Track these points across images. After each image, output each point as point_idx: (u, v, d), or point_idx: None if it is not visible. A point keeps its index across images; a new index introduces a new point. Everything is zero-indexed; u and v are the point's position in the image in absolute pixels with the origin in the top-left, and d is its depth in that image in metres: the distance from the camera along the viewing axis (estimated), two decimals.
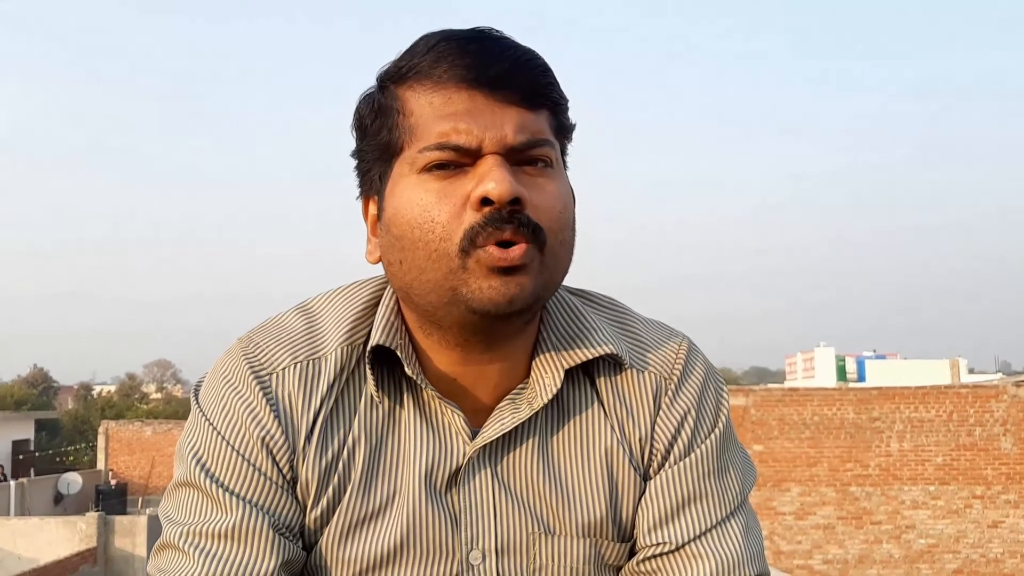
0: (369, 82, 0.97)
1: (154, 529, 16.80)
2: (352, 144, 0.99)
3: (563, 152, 0.97)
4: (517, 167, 0.90)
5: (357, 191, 1.00)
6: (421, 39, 0.93)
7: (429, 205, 0.89)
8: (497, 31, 0.94)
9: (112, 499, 23.54)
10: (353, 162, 0.99)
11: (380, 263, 0.97)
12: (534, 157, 0.91)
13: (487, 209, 0.88)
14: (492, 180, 0.87)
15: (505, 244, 0.88)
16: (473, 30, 0.93)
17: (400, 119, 0.92)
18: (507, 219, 0.87)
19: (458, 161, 0.90)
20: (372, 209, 0.97)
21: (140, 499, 24.84)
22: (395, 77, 0.93)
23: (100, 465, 26.84)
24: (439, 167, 0.90)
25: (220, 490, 0.93)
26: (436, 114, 0.90)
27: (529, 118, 0.91)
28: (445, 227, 0.88)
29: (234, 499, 0.92)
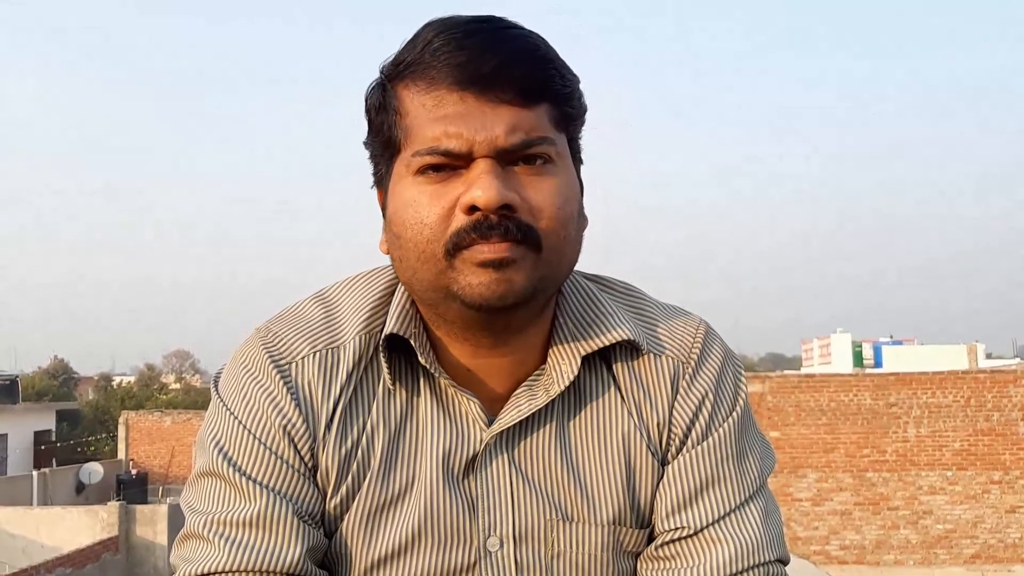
0: (365, 78, 0.94)
1: (175, 517, 16.91)
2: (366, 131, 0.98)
3: (572, 139, 0.95)
4: (513, 166, 0.89)
5: (371, 180, 0.99)
6: (423, 29, 0.92)
7: (421, 207, 0.89)
8: (499, 19, 0.92)
9: (133, 488, 23.68)
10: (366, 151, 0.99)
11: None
12: (531, 155, 0.90)
13: (476, 215, 0.87)
14: (479, 187, 0.87)
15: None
16: (473, 20, 0.91)
17: (397, 119, 0.91)
18: (494, 225, 0.87)
19: (451, 164, 0.89)
20: (382, 200, 0.98)
21: (160, 488, 25.00)
22: (392, 74, 0.92)
23: (121, 455, 26.99)
24: (434, 169, 0.89)
25: (243, 478, 0.93)
26: (428, 116, 0.89)
27: (524, 116, 0.89)
28: (433, 229, 0.88)
29: (257, 487, 0.92)
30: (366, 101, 0.96)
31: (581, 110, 0.95)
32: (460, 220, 0.88)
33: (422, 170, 0.90)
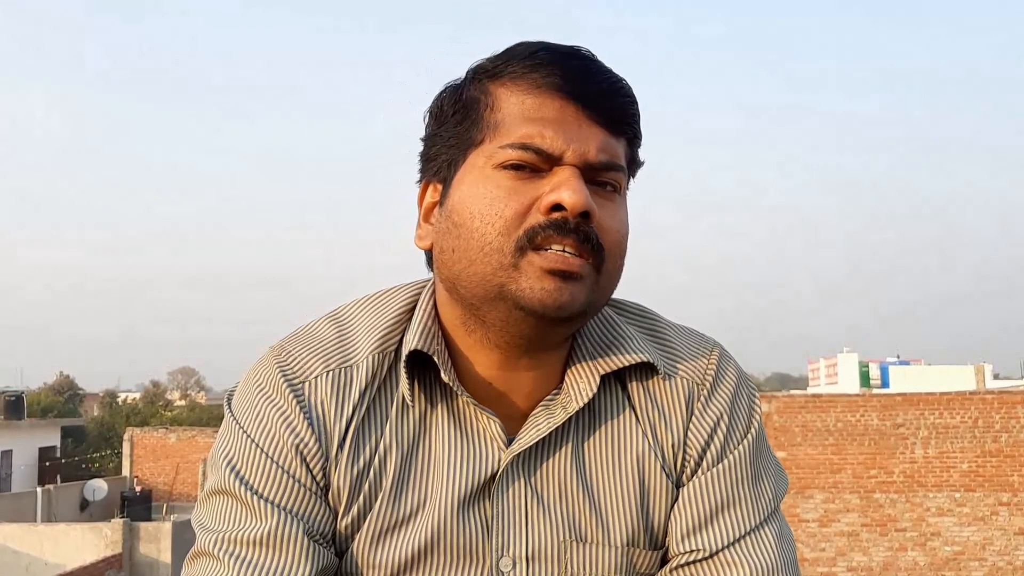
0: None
1: (179, 535, 16.90)
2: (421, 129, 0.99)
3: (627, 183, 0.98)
4: (589, 185, 0.91)
5: (418, 175, 1.00)
6: (520, 44, 0.95)
7: (497, 199, 0.90)
8: (592, 53, 0.96)
9: (137, 505, 23.69)
10: (418, 147, 1.00)
11: (429, 250, 0.98)
12: (606, 180, 0.93)
13: (555, 215, 0.89)
14: (569, 189, 0.89)
15: (563, 252, 0.89)
16: (571, 47, 0.95)
17: (487, 112, 0.93)
18: (572, 229, 0.89)
19: (536, 165, 0.91)
20: (430, 195, 0.98)
21: (165, 505, 25.00)
22: (490, 73, 0.95)
23: (125, 472, 27.02)
24: (515, 167, 0.91)
25: (254, 497, 0.93)
26: (526, 115, 0.91)
27: (612, 142, 0.93)
28: (508, 223, 0.89)
29: (268, 506, 0.93)
30: (441, 97, 0.98)
31: (641, 161, 1.00)
32: (537, 218, 0.90)
33: (504, 165, 0.91)
